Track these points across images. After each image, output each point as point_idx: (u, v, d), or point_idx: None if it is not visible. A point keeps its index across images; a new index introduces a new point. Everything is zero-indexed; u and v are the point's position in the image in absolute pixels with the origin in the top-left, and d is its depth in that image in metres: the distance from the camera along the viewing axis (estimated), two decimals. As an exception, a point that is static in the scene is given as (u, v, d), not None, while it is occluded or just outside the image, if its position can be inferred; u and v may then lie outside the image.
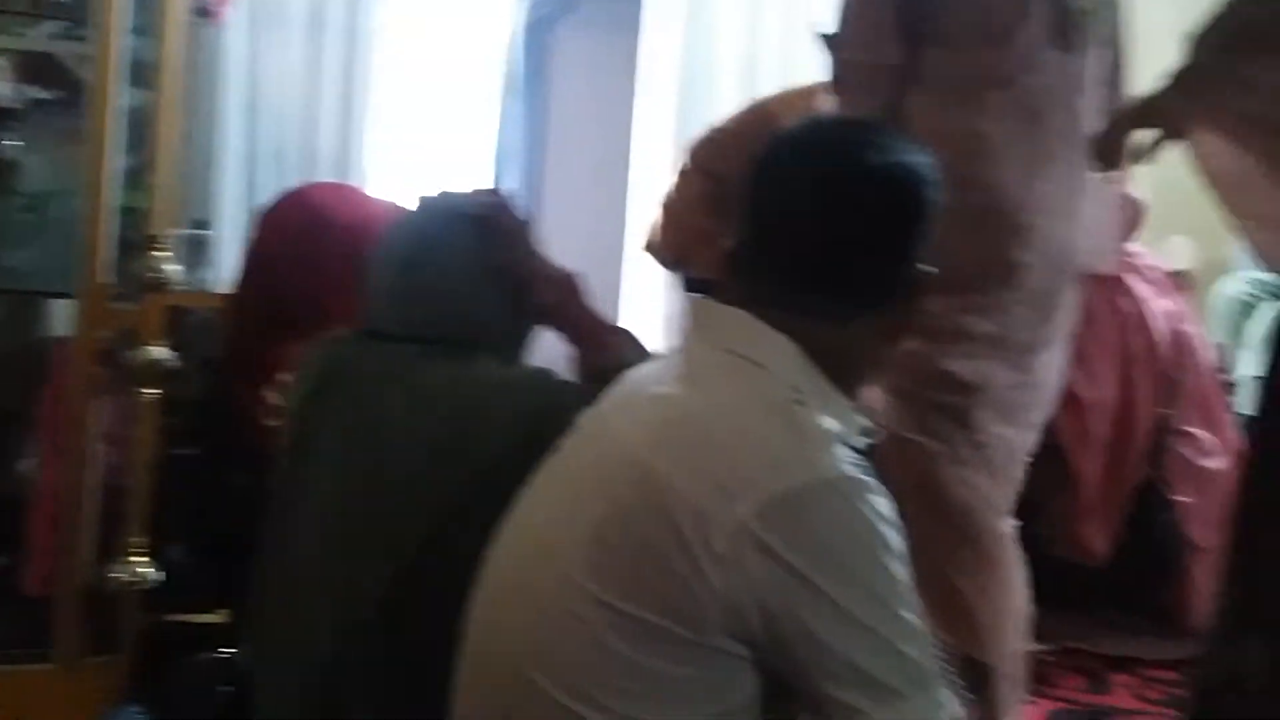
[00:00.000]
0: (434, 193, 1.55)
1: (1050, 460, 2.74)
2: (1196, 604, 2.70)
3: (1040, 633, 2.73)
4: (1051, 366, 1.98)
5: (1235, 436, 2.84)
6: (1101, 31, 1.91)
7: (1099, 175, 1.84)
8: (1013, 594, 1.95)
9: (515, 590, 1.13)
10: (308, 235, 2.02)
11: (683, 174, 3.03)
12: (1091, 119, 1.83)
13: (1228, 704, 1.28)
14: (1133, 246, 2.90)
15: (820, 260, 1.12)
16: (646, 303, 3.55)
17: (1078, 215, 1.92)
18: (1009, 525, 1.95)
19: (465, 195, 1.55)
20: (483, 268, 1.46)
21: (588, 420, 1.19)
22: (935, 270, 1.15)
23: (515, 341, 1.53)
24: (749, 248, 1.16)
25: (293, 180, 2.84)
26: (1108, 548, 2.68)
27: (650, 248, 3.01)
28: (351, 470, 1.39)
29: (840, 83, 1.92)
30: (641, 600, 1.02)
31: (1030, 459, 2.00)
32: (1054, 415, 2.72)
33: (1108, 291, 2.75)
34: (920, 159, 1.15)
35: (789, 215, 1.14)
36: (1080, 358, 2.71)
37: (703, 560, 1.00)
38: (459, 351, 1.41)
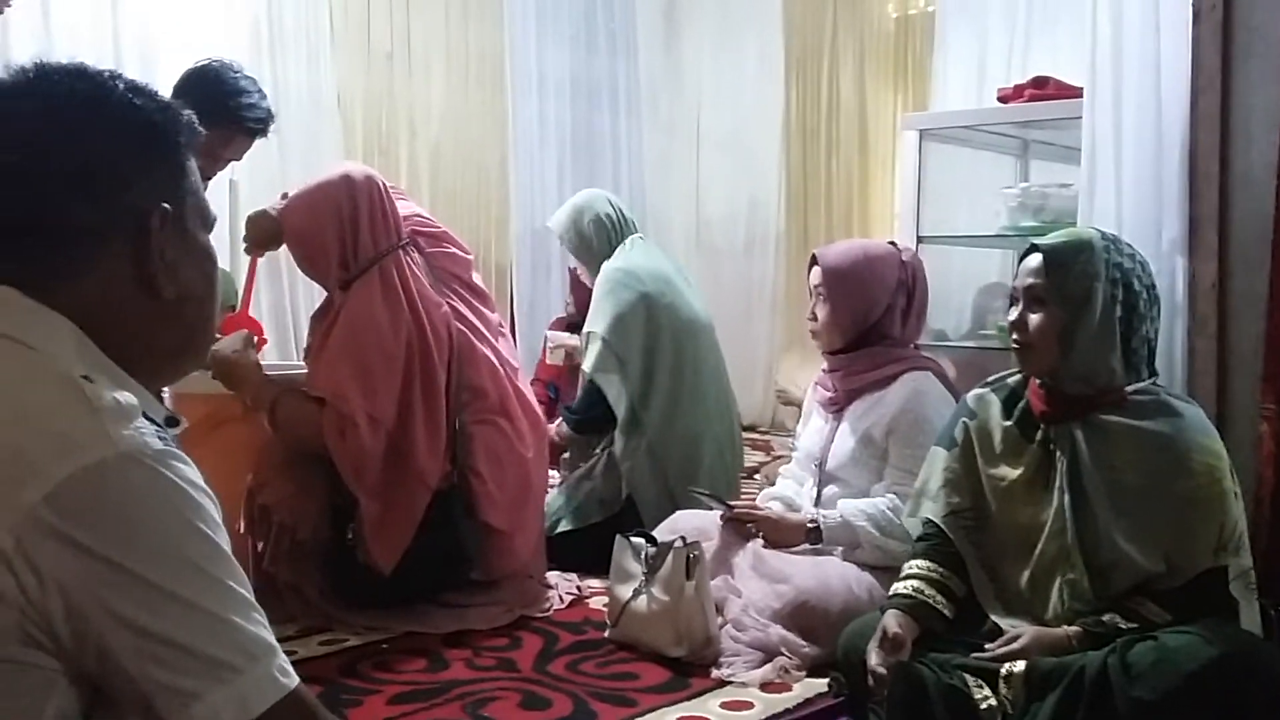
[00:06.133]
0: None
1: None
2: (497, 563, 2.94)
3: (377, 621, 2.80)
4: None
5: (537, 425, 3.08)
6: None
7: None
8: None
9: None
10: None
11: None
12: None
13: None
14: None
15: (5, 207, 1.02)
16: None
17: None
18: None
19: None
20: None
21: None
22: (169, 207, 1.06)
23: None
24: None
25: None
26: (393, 559, 2.79)
27: None
28: None
29: None
30: None
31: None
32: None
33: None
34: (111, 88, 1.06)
35: None
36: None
37: None
38: None
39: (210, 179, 3.07)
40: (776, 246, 6.09)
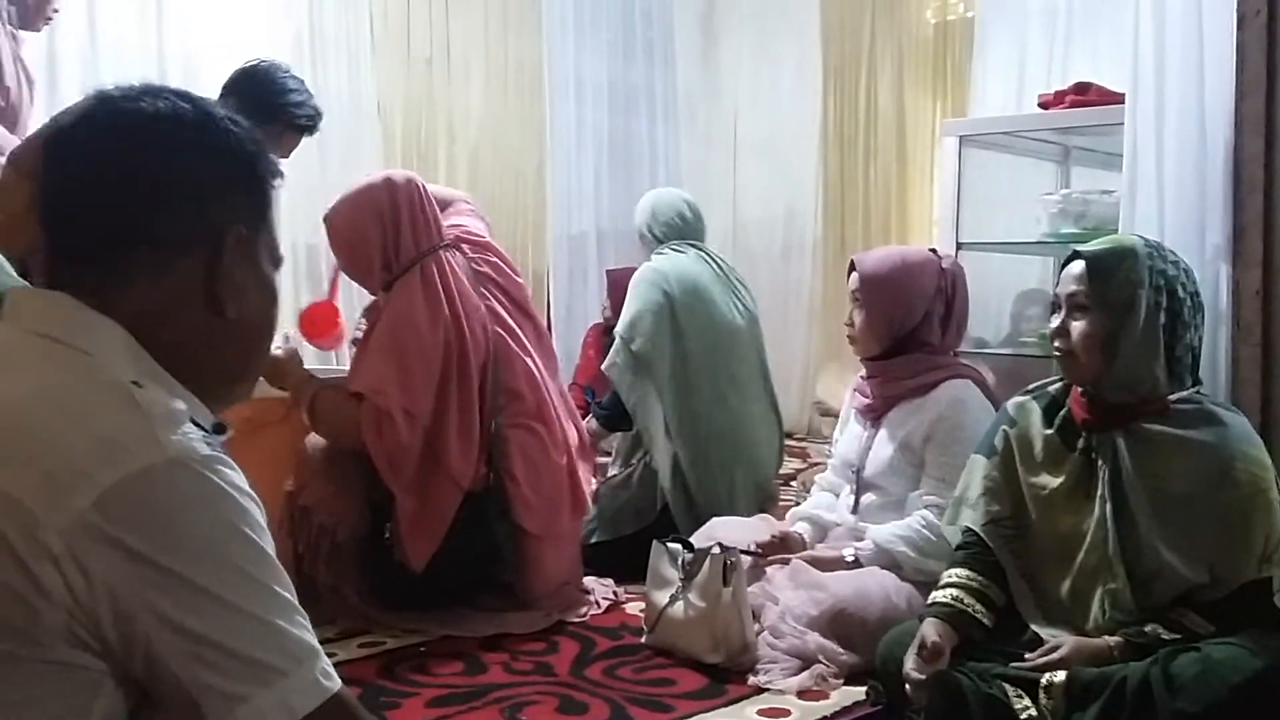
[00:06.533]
0: None
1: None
2: (534, 582, 2.94)
3: (415, 624, 2.82)
4: None
5: (570, 432, 3.10)
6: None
7: None
8: None
9: None
10: None
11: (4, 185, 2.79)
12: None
13: None
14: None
15: (92, 209, 1.05)
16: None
17: None
18: None
19: None
20: None
21: None
22: (246, 230, 1.09)
23: None
24: (50, 222, 1.07)
25: None
26: (425, 556, 2.81)
27: None
28: None
29: None
30: None
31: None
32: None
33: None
34: (204, 108, 1.09)
35: (61, 180, 1.07)
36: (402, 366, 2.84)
37: (33, 564, 0.88)
38: None
39: None
40: (813, 254, 6.08)
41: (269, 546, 1.00)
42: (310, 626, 1.01)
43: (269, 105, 3.04)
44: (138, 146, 1.05)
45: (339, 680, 1.01)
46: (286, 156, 3.23)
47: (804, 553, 2.70)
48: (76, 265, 1.05)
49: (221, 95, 3.05)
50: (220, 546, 0.95)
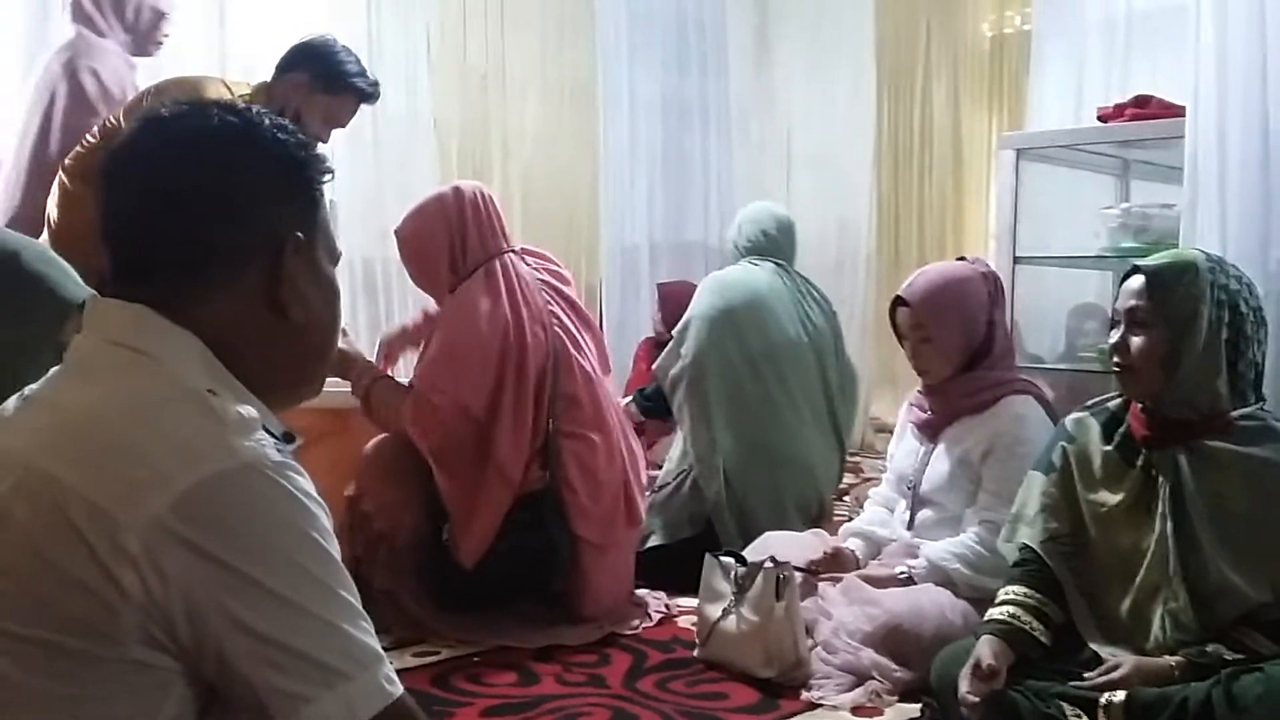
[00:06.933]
0: None
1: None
2: (589, 595, 2.95)
3: (469, 635, 2.84)
4: None
5: (622, 440, 3.11)
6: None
7: None
8: None
9: None
10: None
11: (66, 192, 3.01)
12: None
13: None
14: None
15: (154, 228, 1.07)
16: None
17: None
18: None
19: None
20: None
21: None
22: (303, 236, 1.11)
23: None
24: (113, 242, 1.09)
25: None
26: (477, 554, 2.84)
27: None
28: None
29: None
30: (42, 620, 0.91)
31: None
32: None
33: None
34: (253, 123, 1.12)
35: (118, 200, 1.09)
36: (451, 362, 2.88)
37: (113, 566, 0.91)
38: None
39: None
40: (867, 267, 6.05)
41: (336, 551, 1.02)
42: (374, 632, 1.03)
43: (339, 78, 3.15)
44: (190, 163, 1.08)
45: (401, 686, 1.03)
46: (346, 125, 3.29)
47: (857, 571, 2.69)
48: (140, 281, 1.07)
49: (286, 70, 3.14)
50: (290, 550, 0.97)
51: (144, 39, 3.38)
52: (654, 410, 3.71)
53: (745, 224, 3.76)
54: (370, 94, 3.24)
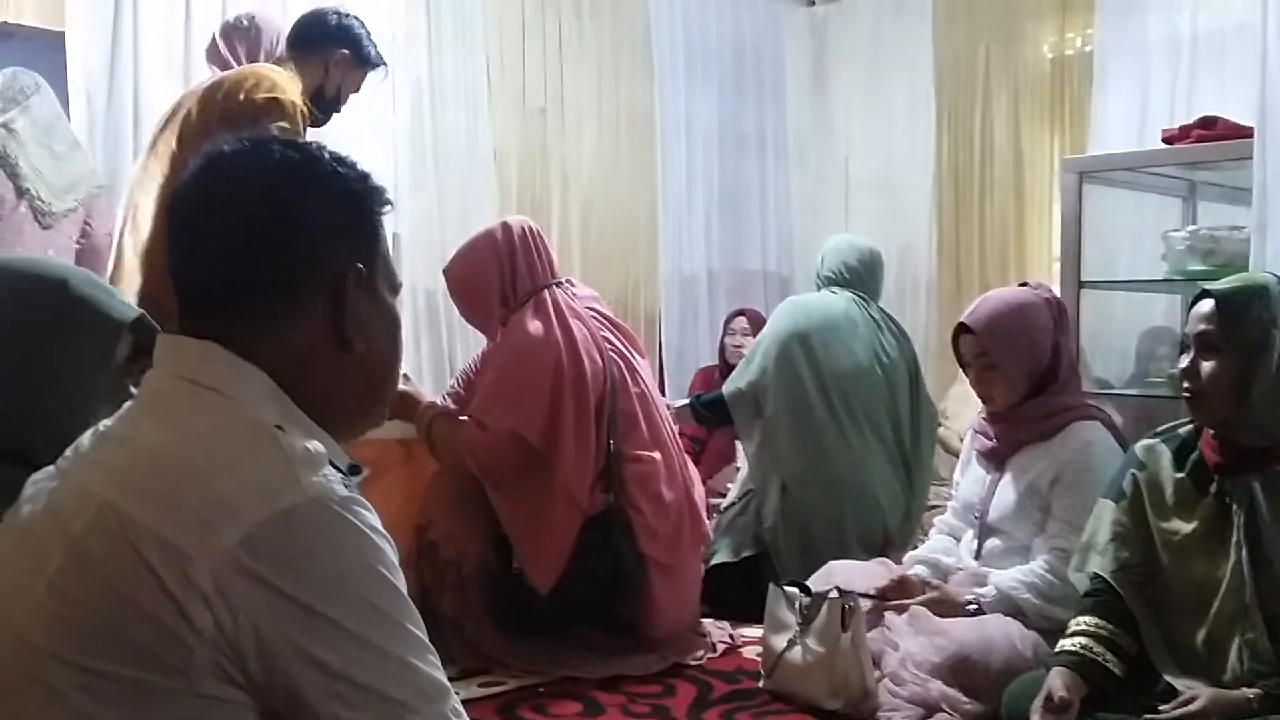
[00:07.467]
0: None
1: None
2: (656, 617, 2.94)
3: (534, 665, 2.84)
4: None
5: (683, 460, 3.13)
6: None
7: None
8: None
9: None
10: None
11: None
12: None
13: None
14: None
15: (219, 265, 1.09)
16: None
17: None
18: None
19: None
20: None
21: (42, 476, 1.08)
22: (364, 268, 1.12)
23: None
24: (180, 279, 1.11)
25: None
26: (551, 579, 2.85)
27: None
28: None
29: None
30: (117, 655, 0.92)
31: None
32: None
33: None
34: (306, 156, 1.13)
35: (184, 238, 1.11)
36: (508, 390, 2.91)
37: (185, 601, 0.92)
38: None
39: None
40: (928, 293, 6.00)
41: (401, 585, 1.02)
42: (440, 665, 1.04)
43: (370, 50, 3.22)
44: (253, 200, 1.09)
45: (467, 718, 1.04)
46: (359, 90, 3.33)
47: (925, 596, 2.65)
48: (207, 317, 1.09)
49: (326, 45, 3.17)
50: (357, 585, 0.98)
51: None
52: (708, 418, 3.72)
53: (828, 255, 3.76)
54: (382, 65, 3.32)
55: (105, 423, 1.10)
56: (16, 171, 3.42)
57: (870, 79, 6.10)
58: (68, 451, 1.09)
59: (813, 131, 6.18)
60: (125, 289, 2.88)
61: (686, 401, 3.82)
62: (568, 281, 3.18)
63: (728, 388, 3.60)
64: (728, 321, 4.83)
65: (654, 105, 5.42)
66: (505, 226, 3.11)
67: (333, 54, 3.17)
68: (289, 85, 2.99)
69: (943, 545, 2.83)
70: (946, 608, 2.59)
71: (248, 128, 2.81)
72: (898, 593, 2.69)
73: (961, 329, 2.73)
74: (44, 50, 3.99)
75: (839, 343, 3.52)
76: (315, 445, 1.03)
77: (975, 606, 2.57)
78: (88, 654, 0.92)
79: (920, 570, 2.77)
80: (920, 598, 2.63)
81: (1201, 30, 4.14)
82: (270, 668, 0.94)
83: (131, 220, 3.05)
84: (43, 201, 3.44)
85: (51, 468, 1.08)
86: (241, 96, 2.92)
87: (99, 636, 0.93)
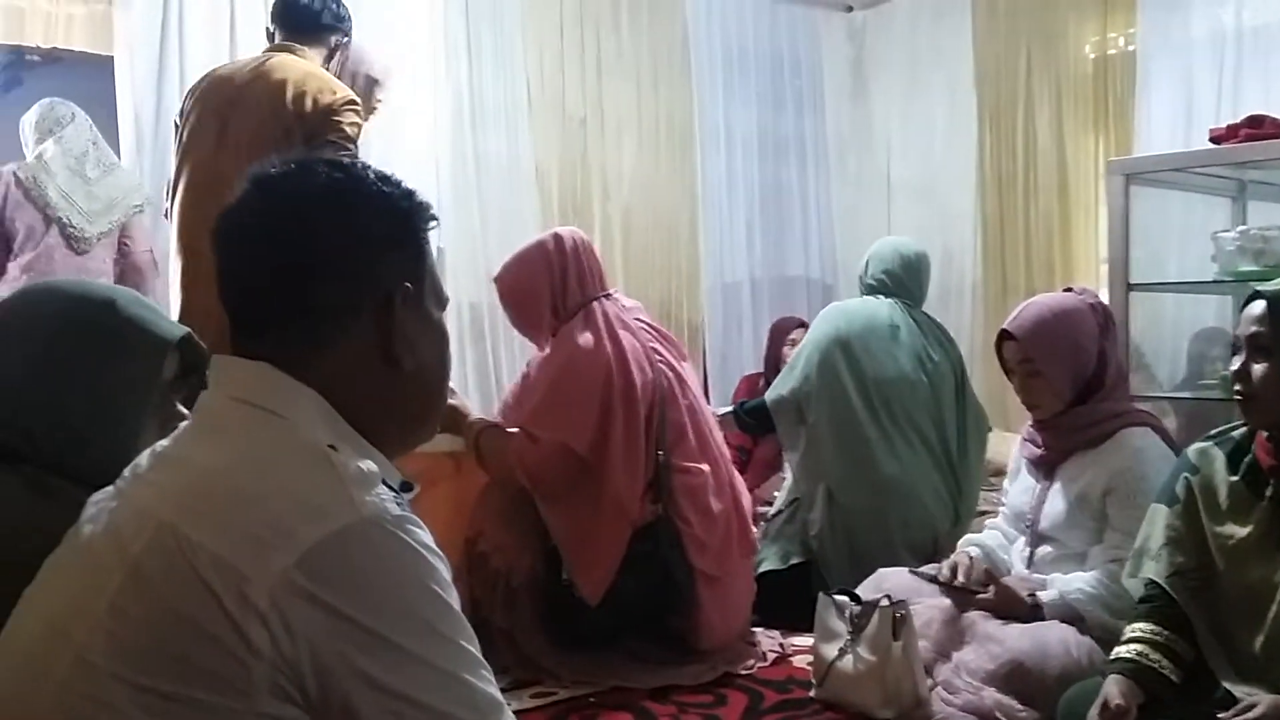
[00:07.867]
0: None
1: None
2: (706, 629, 2.94)
3: (585, 675, 2.85)
4: None
5: (730, 471, 3.12)
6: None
7: None
8: None
9: (27, 680, 0.99)
10: None
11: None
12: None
13: None
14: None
15: (268, 287, 1.11)
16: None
17: None
18: None
19: None
20: None
21: (102, 496, 1.10)
22: (411, 286, 1.14)
23: None
24: (231, 301, 1.13)
25: None
26: (600, 589, 2.86)
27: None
28: None
29: None
30: (175, 674, 0.93)
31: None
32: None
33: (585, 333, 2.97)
34: (353, 175, 1.15)
35: (232, 261, 1.13)
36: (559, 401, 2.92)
37: (242, 621, 0.93)
38: None
39: None
40: (973, 296, 5.96)
41: (455, 602, 1.04)
42: (494, 680, 1.05)
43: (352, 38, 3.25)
44: (300, 221, 1.11)
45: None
46: None
47: (987, 594, 2.59)
48: (258, 338, 1.11)
49: (346, 34, 3.20)
50: (412, 603, 0.99)
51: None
52: (751, 425, 3.73)
53: (872, 261, 3.74)
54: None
55: (163, 443, 1.12)
56: (47, 201, 3.50)
57: (910, 83, 6.08)
58: (126, 472, 1.11)
59: (853, 136, 6.16)
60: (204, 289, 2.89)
61: (730, 409, 3.81)
62: (615, 293, 3.19)
63: (770, 395, 3.59)
64: (786, 330, 4.80)
65: (693, 114, 5.44)
66: (557, 237, 3.13)
67: (337, 39, 3.19)
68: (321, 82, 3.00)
69: (996, 539, 2.80)
70: (1010, 602, 2.55)
71: (324, 132, 2.85)
72: (966, 586, 2.64)
73: (1005, 335, 2.71)
74: (94, 74, 4.08)
75: (881, 349, 3.51)
76: (368, 464, 1.05)
77: (1035, 603, 2.52)
78: (147, 673, 0.94)
79: (974, 551, 2.73)
80: (981, 596, 2.59)
81: (1246, 26, 4.09)
82: (326, 686, 0.95)
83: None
84: (74, 228, 3.51)
85: (111, 488, 1.10)
86: (322, 101, 2.91)
87: (158, 656, 0.94)
